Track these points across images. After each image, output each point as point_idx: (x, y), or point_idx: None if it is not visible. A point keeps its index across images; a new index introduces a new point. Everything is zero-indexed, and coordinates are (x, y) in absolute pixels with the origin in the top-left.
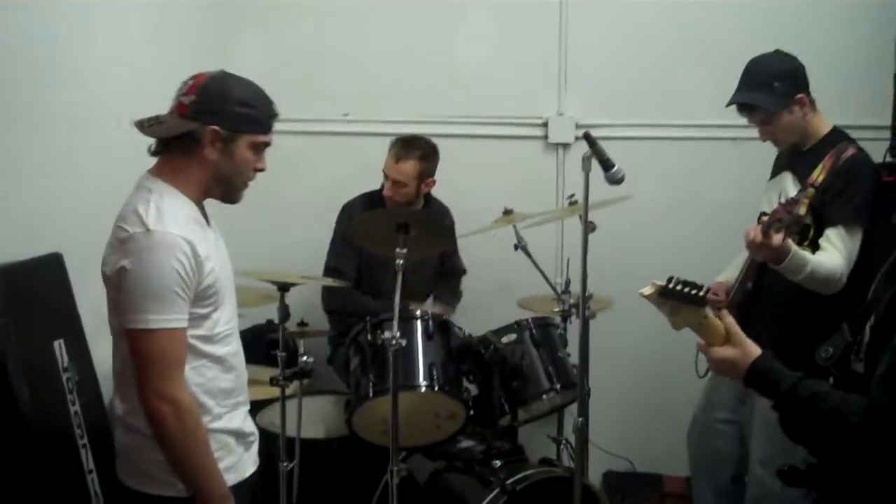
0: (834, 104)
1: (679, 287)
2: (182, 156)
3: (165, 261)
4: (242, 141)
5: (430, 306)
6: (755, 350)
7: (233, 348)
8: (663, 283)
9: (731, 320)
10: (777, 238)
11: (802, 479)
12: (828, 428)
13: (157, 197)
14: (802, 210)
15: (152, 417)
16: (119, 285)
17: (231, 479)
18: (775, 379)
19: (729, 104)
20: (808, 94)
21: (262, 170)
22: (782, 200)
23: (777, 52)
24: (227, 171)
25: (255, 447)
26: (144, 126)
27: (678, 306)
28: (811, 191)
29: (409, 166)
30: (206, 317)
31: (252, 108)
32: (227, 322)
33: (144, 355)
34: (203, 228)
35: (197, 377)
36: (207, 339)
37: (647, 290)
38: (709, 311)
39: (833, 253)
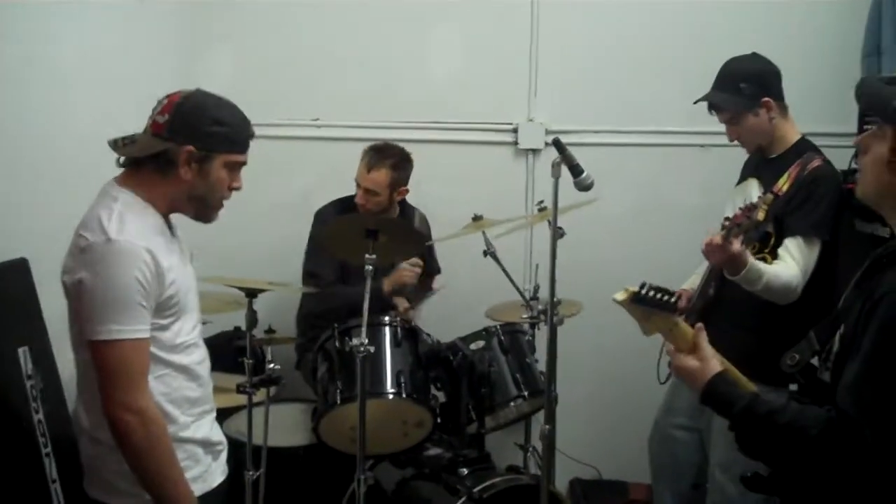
0: (800, 111)
1: (652, 293)
2: (155, 173)
3: (126, 271)
4: (218, 161)
5: (439, 284)
6: (714, 367)
7: (196, 357)
8: (636, 288)
9: (703, 335)
10: (736, 243)
11: (765, 485)
12: (787, 442)
13: (121, 206)
14: (761, 215)
15: (117, 429)
16: (79, 295)
17: (199, 489)
18: (729, 400)
19: (695, 102)
20: (779, 99)
21: (237, 188)
22: (755, 200)
23: (753, 54)
24: (202, 191)
25: (224, 456)
26: (119, 145)
27: (650, 312)
28: (770, 196)
29: (381, 175)
30: (167, 327)
31: (227, 127)
32: (189, 332)
33: (108, 366)
34: (168, 240)
35: (162, 387)
36: (170, 348)
37: (620, 296)
38: (679, 319)
39: (790, 263)
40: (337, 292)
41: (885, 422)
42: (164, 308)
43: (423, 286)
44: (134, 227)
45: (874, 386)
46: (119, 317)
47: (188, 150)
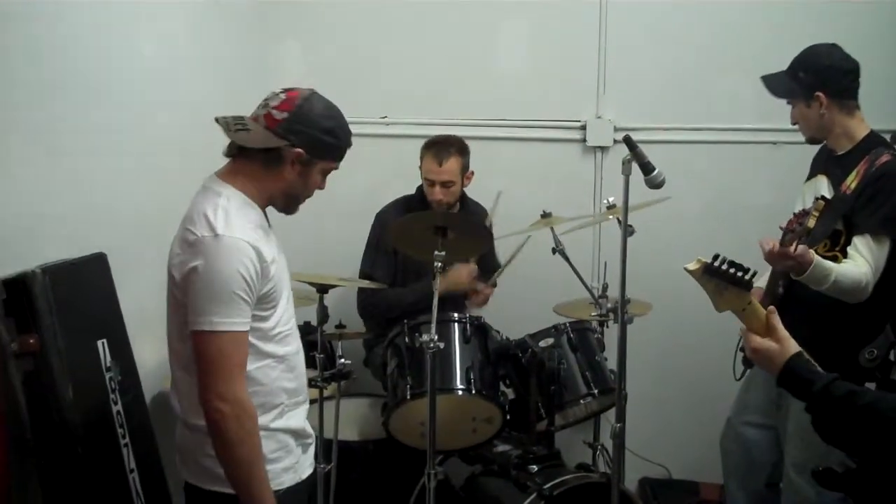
0: (873, 107)
1: (725, 267)
2: (260, 167)
3: (233, 265)
4: (318, 166)
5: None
6: (793, 348)
7: (293, 348)
8: (709, 259)
9: (776, 316)
10: (791, 249)
11: (838, 482)
12: (865, 425)
13: (226, 201)
14: (811, 223)
15: (212, 418)
16: (186, 287)
17: (290, 479)
18: (809, 378)
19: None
20: (839, 96)
21: (321, 188)
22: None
23: (832, 46)
24: (298, 191)
25: (312, 449)
26: (230, 127)
27: (723, 286)
28: (821, 203)
29: (452, 163)
30: (266, 318)
31: (336, 139)
32: (286, 322)
33: (207, 356)
34: (266, 233)
35: (262, 377)
36: (269, 338)
37: (692, 266)
38: (753, 298)
39: (859, 261)
40: (386, 293)
41: None
42: (265, 300)
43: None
44: (238, 222)
45: None
46: (221, 309)
47: (298, 152)
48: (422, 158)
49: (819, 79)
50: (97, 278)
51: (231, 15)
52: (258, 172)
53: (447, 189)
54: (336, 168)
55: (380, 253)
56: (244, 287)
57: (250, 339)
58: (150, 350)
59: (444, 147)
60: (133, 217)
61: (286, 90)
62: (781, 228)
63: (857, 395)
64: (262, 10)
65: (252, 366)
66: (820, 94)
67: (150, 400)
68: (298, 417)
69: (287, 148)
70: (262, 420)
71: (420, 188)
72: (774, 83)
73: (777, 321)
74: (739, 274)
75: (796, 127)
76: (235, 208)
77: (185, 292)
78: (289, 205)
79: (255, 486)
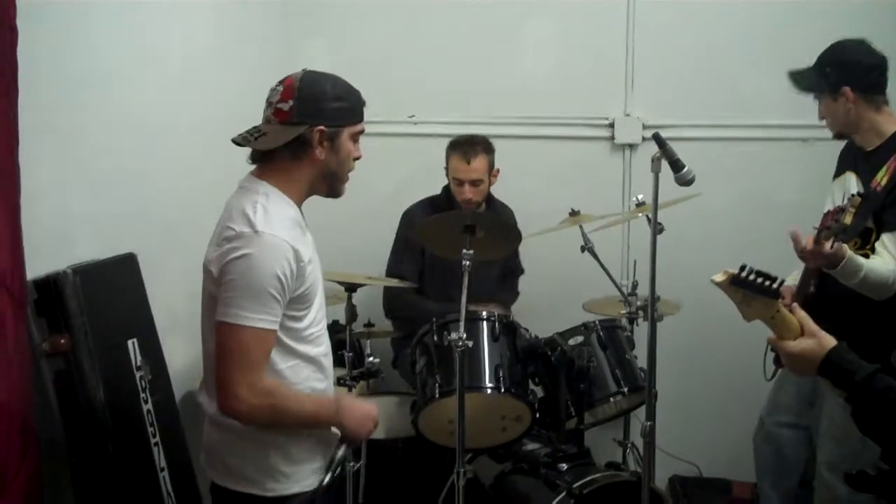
0: None
1: (752, 277)
2: (290, 160)
3: (270, 264)
4: (345, 134)
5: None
6: (831, 340)
7: (323, 349)
8: (735, 271)
9: (803, 313)
10: (826, 246)
11: (871, 484)
12: None
13: (265, 199)
14: (848, 219)
15: (230, 409)
16: (220, 280)
17: (317, 480)
18: (850, 369)
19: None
20: (866, 91)
21: (359, 157)
22: (843, 202)
23: (860, 41)
24: (335, 167)
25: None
26: (250, 140)
27: (750, 296)
28: (857, 199)
29: (480, 161)
30: (300, 318)
31: (346, 101)
32: (318, 323)
33: (227, 348)
34: (303, 231)
35: (293, 376)
36: (301, 339)
37: (719, 278)
38: (781, 305)
39: (887, 258)
40: (415, 302)
41: None
42: (300, 301)
43: (507, 287)
44: (278, 220)
45: None
46: (250, 304)
47: (320, 129)
48: (448, 158)
49: (845, 73)
50: (127, 278)
51: (258, 14)
52: (291, 166)
53: (475, 188)
54: (363, 130)
55: (407, 252)
56: (277, 287)
57: (283, 338)
58: (180, 350)
59: (470, 146)
60: (162, 218)
61: (280, 82)
62: (815, 228)
63: (894, 391)
64: (288, 9)
65: (284, 364)
66: (846, 88)
67: (180, 400)
68: None
69: (308, 131)
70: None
71: (446, 188)
72: (800, 78)
73: (807, 318)
74: (767, 283)
75: (824, 123)
76: (274, 205)
77: (219, 285)
78: (333, 186)
79: (314, 419)
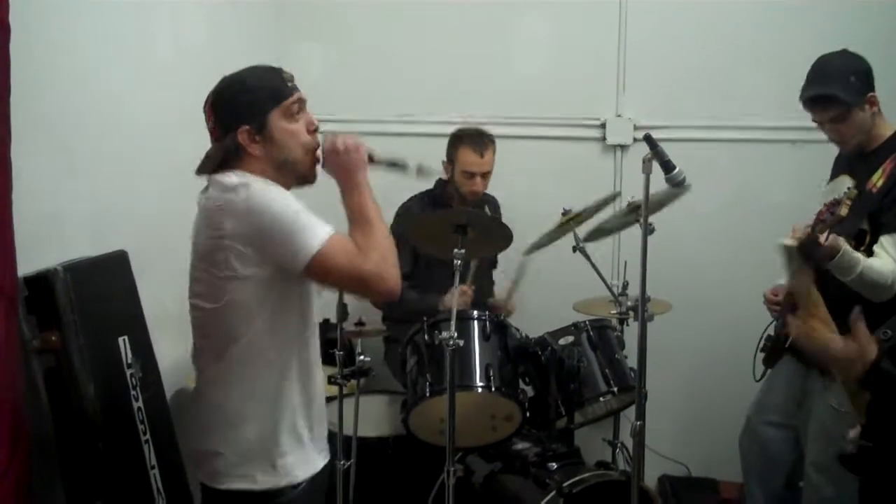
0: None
1: (814, 249)
2: (237, 165)
3: (277, 196)
4: (272, 119)
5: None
6: (874, 348)
7: (315, 350)
8: (803, 237)
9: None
10: (822, 238)
11: (863, 464)
12: None
13: (242, 177)
14: (844, 211)
15: (388, 293)
16: (249, 240)
17: (305, 472)
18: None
19: (808, 96)
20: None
21: (315, 128)
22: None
23: (845, 51)
24: (284, 155)
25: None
26: (202, 168)
27: (804, 267)
28: (853, 191)
29: (490, 153)
30: (304, 304)
31: (262, 87)
32: (311, 317)
33: (337, 270)
34: None
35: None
36: (298, 333)
37: (790, 241)
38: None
39: (886, 259)
40: (405, 298)
41: None
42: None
43: (484, 279)
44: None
45: None
46: (303, 233)
47: (243, 130)
48: (457, 151)
49: (867, 80)
50: (118, 276)
51: (249, 15)
52: (245, 169)
53: (485, 180)
54: (296, 100)
55: (401, 247)
56: (300, 207)
57: (282, 327)
58: (171, 347)
59: (480, 138)
60: (153, 215)
61: (205, 102)
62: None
63: None
64: (279, 10)
65: (281, 355)
66: (873, 94)
67: (171, 397)
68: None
69: (233, 136)
70: (280, 413)
71: (440, 183)
72: (840, 94)
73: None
74: (818, 257)
75: (815, 125)
76: (256, 180)
77: (252, 245)
78: (293, 172)
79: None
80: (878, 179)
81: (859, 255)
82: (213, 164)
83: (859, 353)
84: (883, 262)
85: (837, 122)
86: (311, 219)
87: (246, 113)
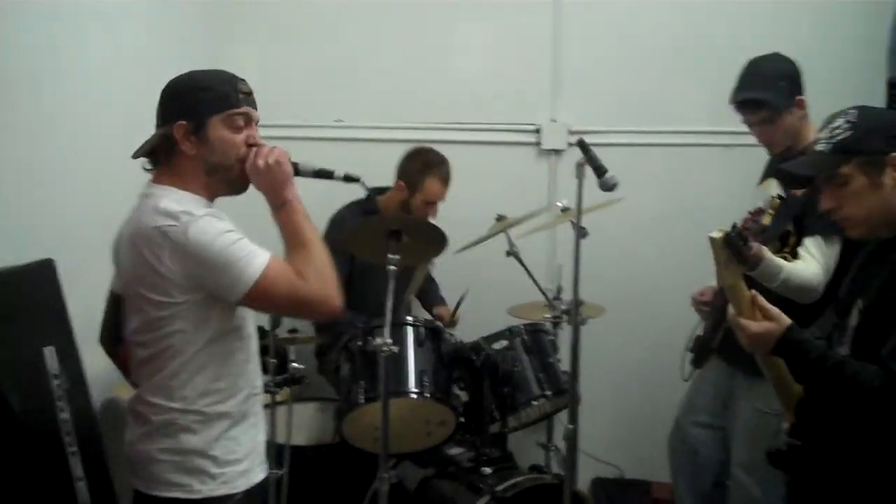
0: (826, 110)
1: (738, 241)
2: (167, 160)
3: (216, 228)
4: (213, 123)
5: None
6: (788, 320)
7: (255, 359)
8: (728, 229)
9: (762, 298)
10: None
11: (788, 461)
12: (851, 393)
13: (177, 196)
14: (766, 220)
15: (332, 311)
16: (188, 275)
17: (244, 483)
18: (806, 348)
19: (738, 99)
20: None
21: (253, 144)
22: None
23: (776, 54)
24: (216, 159)
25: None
26: (136, 155)
27: (731, 259)
28: (776, 200)
29: (448, 180)
30: (242, 315)
31: (210, 90)
32: (250, 327)
33: (278, 292)
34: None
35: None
36: (234, 331)
37: (716, 234)
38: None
39: (810, 262)
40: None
41: None
42: None
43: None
44: (194, 205)
45: None
46: (240, 261)
47: (180, 125)
48: (423, 180)
49: (796, 84)
50: (44, 285)
51: (183, 17)
52: (174, 166)
53: (437, 207)
54: (242, 113)
55: (335, 256)
56: (238, 235)
57: (220, 340)
58: (100, 357)
59: (445, 167)
60: (82, 222)
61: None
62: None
63: (844, 365)
64: (214, 12)
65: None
66: (802, 97)
67: (100, 408)
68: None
69: (169, 128)
70: (220, 422)
71: (371, 194)
72: (768, 98)
73: (765, 302)
74: (745, 251)
75: (748, 130)
76: (183, 198)
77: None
78: (228, 179)
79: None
80: None
81: (781, 262)
82: (143, 150)
83: (775, 326)
84: (806, 265)
85: (767, 123)
86: (249, 247)
87: (186, 109)
